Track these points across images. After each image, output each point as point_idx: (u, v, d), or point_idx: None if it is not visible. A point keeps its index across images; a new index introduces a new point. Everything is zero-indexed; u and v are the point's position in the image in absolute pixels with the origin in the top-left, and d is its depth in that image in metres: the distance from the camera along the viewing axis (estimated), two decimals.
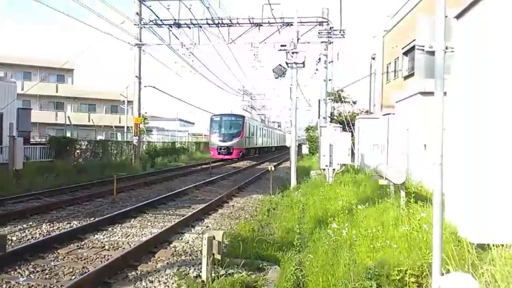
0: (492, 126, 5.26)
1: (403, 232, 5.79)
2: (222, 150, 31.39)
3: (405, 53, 21.06)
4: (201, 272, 5.10)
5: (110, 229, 8.26)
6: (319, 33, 21.83)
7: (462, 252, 4.72)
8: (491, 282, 3.92)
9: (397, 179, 7.82)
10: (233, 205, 11.62)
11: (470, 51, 5.35)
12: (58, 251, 6.62)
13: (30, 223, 8.58)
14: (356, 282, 4.37)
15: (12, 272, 5.57)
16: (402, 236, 5.70)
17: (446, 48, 2.91)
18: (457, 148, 5.70)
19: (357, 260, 5.23)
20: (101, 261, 6.12)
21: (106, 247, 6.99)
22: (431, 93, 9.70)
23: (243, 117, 34.89)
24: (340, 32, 22.20)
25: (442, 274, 3.11)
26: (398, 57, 22.62)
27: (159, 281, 5.28)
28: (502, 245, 4.63)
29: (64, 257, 6.35)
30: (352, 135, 18.51)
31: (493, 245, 4.62)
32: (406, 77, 20.77)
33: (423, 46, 2.98)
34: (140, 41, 23.07)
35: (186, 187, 14.41)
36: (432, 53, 2.95)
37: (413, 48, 17.64)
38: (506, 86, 5.19)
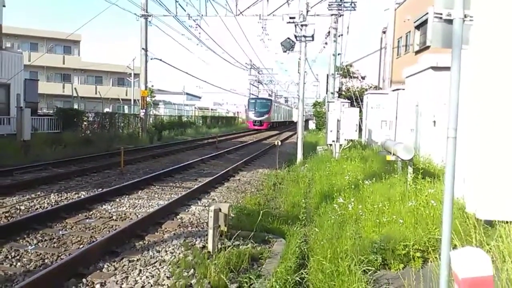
0: (502, 102, 5.14)
1: (410, 208, 5.77)
2: (256, 123, 44.35)
3: (417, 27, 20.53)
4: (207, 243, 5.14)
5: (117, 200, 8.34)
6: (329, 5, 21.26)
7: (469, 228, 4.69)
8: (498, 258, 3.90)
9: (405, 155, 7.74)
10: (239, 179, 11.66)
11: (486, 24, 5.16)
12: (66, 220, 6.71)
13: (39, 193, 8.68)
14: (362, 255, 4.38)
15: (21, 240, 5.66)
16: (408, 211, 5.68)
17: (465, 16, 2.78)
18: (467, 124, 5.58)
19: (362, 234, 5.24)
20: (109, 231, 6.19)
21: (114, 217, 7.07)
22: (443, 68, 9.41)
23: (271, 100, 49.94)
24: (351, 4, 21.62)
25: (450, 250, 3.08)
26: (409, 31, 22.09)
27: (166, 251, 5.34)
28: (511, 222, 4.60)
29: (72, 227, 6.43)
30: (360, 111, 18.32)
31: (502, 222, 4.59)
32: (417, 52, 20.33)
33: (440, 14, 2.84)
34: (147, 12, 22.70)
35: (193, 161, 14.45)
36: (450, 21, 2.82)
37: (425, 21, 17.16)
38: None
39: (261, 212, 6.42)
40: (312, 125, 39.50)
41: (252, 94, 64.66)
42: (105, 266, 4.82)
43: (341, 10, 21.42)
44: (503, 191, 5.12)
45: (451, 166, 2.92)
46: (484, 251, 2.44)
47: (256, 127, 43.57)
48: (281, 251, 5.16)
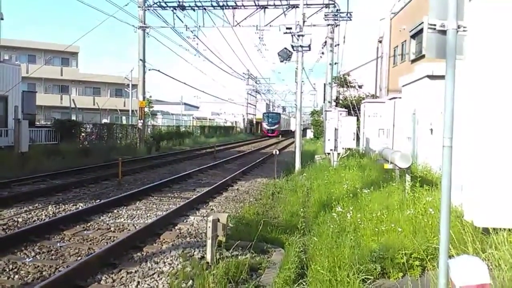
0: (499, 111, 5.18)
1: (408, 216, 5.77)
2: (269, 131, 57.47)
3: (413, 36, 20.72)
4: (205, 253, 5.12)
5: (115, 211, 8.31)
6: (325, 15, 21.48)
7: (467, 236, 4.70)
8: (496, 266, 3.90)
9: (402, 164, 7.77)
10: (237, 189, 11.64)
11: (480, 34, 5.22)
12: (64, 232, 6.68)
13: (36, 204, 8.65)
14: (361, 264, 4.37)
15: (19, 253, 5.63)
16: (407, 220, 5.68)
17: (459, 27, 2.82)
18: (464, 132, 5.62)
19: (361, 243, 5.24)
20: (107, 243, 6.17)
21: (112, 228, 7.04)
22: (439, 77, 9.47)
23: (280, 113, 66.07)
24: (346, 15, 21.84)
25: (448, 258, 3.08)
26: (405, 40, 22.29)
27: (164, 262, 5.32)
28: (508, 229, 4.61)
29: (70, 239, 6.40)
30: (358, 120, 18.37)
31: (499, 229, 4.59)
32: (413, 61, 20.49)
33: (434, 25, 2.89)
34: (144, 23, 22.85)
35: (191, 171, 14.44)
36: (444, 32, 2.86)
37: (421, 31, 17.34)
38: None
39: (260, 222, 6.42)
40: (310, 133, 39.58)
41: (250, 104, 66.42)
42: (103, 278, 4.80)
43: (337, 20, 21.64)
44: (501, 199, 5.13)
45: (447, 175, 2.94)
46: (481, 259, 2.46)
47: (269, 134, 57.28)
48: (280, 261, 5.15)
